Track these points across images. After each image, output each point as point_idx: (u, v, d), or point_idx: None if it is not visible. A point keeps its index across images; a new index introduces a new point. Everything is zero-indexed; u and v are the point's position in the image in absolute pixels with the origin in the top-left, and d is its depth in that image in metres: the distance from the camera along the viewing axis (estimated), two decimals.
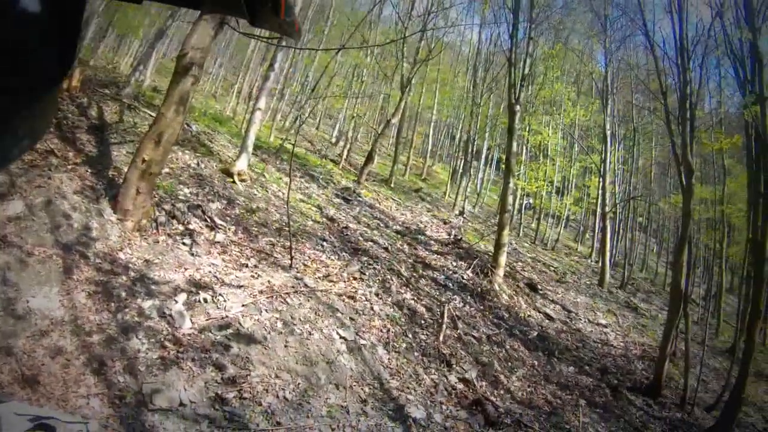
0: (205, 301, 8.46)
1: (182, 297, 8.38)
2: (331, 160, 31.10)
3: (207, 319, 8.03)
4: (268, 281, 9.93)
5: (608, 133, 32.53)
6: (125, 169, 10.84)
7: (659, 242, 44.02)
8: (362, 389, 8.24)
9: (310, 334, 8.84)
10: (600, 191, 32.63)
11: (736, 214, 30.09)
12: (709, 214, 30.34)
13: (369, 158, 27.86)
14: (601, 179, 32.19)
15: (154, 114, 13.64)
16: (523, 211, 38.41)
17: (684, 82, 16.74)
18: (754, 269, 16.69)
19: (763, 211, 16.04)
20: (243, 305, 8.72)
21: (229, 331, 7.91)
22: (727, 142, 21.27)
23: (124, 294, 7.97)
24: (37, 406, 5.55)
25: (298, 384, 7.50)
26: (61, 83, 1.17)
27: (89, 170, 11.09)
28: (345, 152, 33.39)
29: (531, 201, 40.10)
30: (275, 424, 6.57)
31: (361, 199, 21.67)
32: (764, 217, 15.69)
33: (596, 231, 36.81)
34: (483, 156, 41.47)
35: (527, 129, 34.95)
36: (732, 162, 29.78)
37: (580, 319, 18.78)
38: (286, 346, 8.16)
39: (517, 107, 19.20)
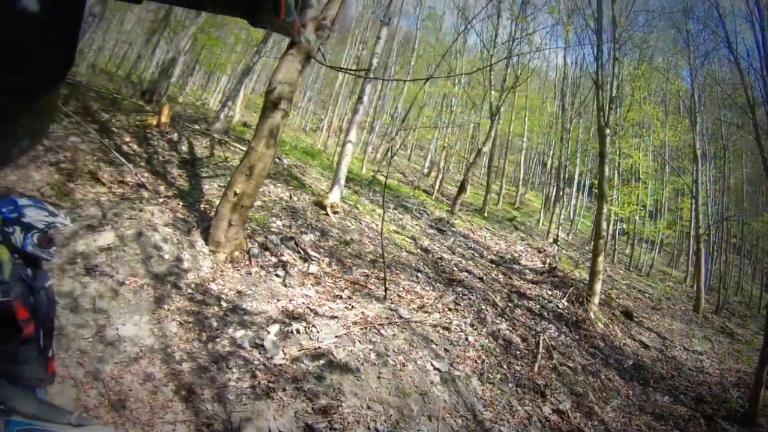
0: (298, 332, 8.56)
1: (275, 328, 8.52)
2: (424, 191, 31.26)
3: (299, 350, 8.11)
4: (362, 312, 10.01)
5: (698, 152, 32.01)
6: (217, 202, 11.16)
7: (753, 263, 42.68)
8: (455, 420, 8.20)
9: (403, 365, 8.88)
10: (693, 213, 32.17)
11: None
12: None
13: (461, 188, 27.91)
14: (693, 200, 31.69)
15: (244, 148, 14.08)
16: (617, 237, 37.83)
17: None
18: None
19: None
20: (336, 336, 8.78)
21: (322, 361, 7.97)
22: None
23: (215, 324, 8.19)
24: (123, 431, 5.82)
25: (390, 415, 7.52)
26: (62, 83, 1.25)
27: (181, 203, 11.51)
28: (437, 182, 33.55)
29: (624, 226, 39.52)
30: None
31: (455, 229, 21.70)
32: None
33: (690, 254, 36.23)
34: (575, 182, 41.06)
35: (618, 152, 34.56)
36: None
37: (676, 347, 18.42)
38: (379, 377, 8.20)
39: (607, 130, 19.06)
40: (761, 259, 42.68)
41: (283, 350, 7.98)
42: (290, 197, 15.16)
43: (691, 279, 33.42)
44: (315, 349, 8.23)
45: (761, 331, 19.01)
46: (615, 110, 22.96)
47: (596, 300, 16.79)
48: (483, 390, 9.53)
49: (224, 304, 8.80)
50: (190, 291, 8.79)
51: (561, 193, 35.41)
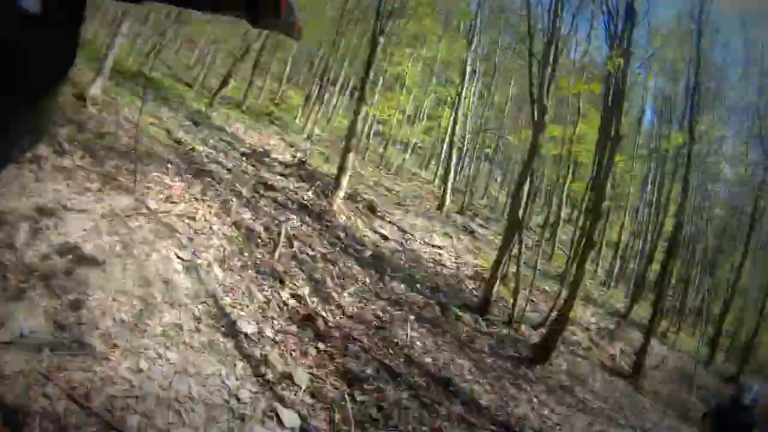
0: (48, 227, 8.28)
1: (25, 225, 8.11)
2: (187, 84, 30.61)
3: (49, 246, 7.89)
4: (110, 204, 9.81)
5: (468, 68, 33.30)
6: None
7: (504, 173, 45.37)
8: (196, 307, 8.43)
9: (148, 255, 8.92)
10: (452, 122, 33.61)
11: (584, 153, 31.79)
12: (557, 152, 31.76)
13: (224, 82, 27.98)
14: (454, 111, 33.17)
15: None
16: (371, 138, 38.80)
17: (554, 28, 17.74)
18: (593, 204, 17.97)
19: (609, 153, 17.38)
20: (84, 230, 8.60)
21: (70, 256, 7.83)
22: (586, 87, 22.74)
23: None
24: None
25: (134, 305, 7.56)
26: (62, 83, 1.33)
27: None
28: (201, 76, 32.97)
29: (380, 128, 40.57)
30: (112, 346, 6.55)
31: (211, 122, 21.64)
32: (609, 159, 17.03)
33: (442, 158, 37.90)
34: (339, 82, 41.44)
35: (388, 60, 35.26)
36: (588, 106, 31.25)
37: (416, 241, 19.59)
38: (124, 269, 8.19)
39: (381, 39, 19.63)
40: (511, 170, 45.60)
41: (32, 248, 7.71)
42: None
43: (440, 181, 35.09)
44: (63, 243, 8.06)
45: (501, 232, 20.56)
46: (395, 20, 23.51)
47: (341, 194, 17.41)
48: (224, 277, 9.81)
49: None
50: None
51: (323, 92, 35.82)
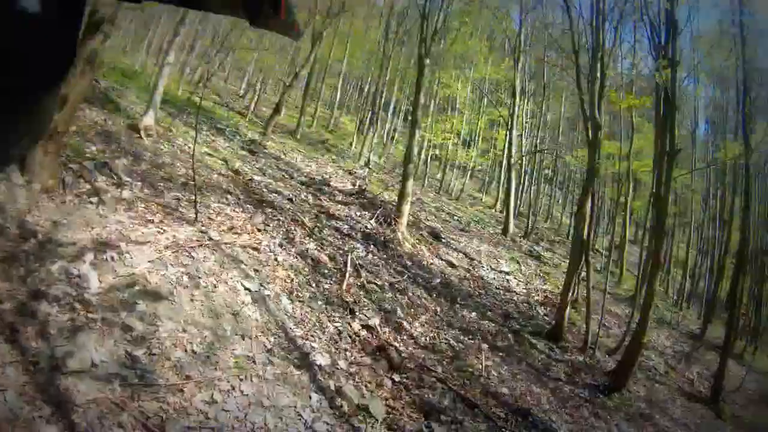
0: (113, 259, 8.27)
1: (89, 257, 8.17)
2: (239, 113, 30.76)
3: (114, 278, 7.87)
4: (173, 236, 9.80)
5: (518, 87, 32.83)
6: None
7: (565, 194, 44.99)
8: (267, 339, 8.32)
9: (215, 286, 8.85)
10: (507, 143, 33.11)
11: (642, 170, 31.18)
12: (615, 169, 31.23)
13: (276, 110, 27.67)
14: (508, 132, 32.69)
15: None
16: (429, 162, 38.78)
17: (597, 42, 17.47)
18: (656, 223, 17.44)
19: (666, 168, 16.84)
20: (149, 261, 8.58)
21: (137, 288, 7.81)
22: (636, 102, 22.39)
23: (32, 258, 7.76)
24: None
25: (205, 337, 7.52)
26: (62, 83, 1.29)
27: None
28: (253, 104, 33.12)
29: (437, 152, 40.56)
30: (185, 378, 6.55)
31: (266, 150, 21.47)
32: (667, 174, 16.48)
33: (501, 182, 37.64)
34: (390, 107, 41.51)
35: (437, 82, 35.16)
36: (641, 120, 30.75)
37: (483, 267, 19.20)
38: (192, 300, 8.15)
39: (427, 60, 19.39)
40: (572, 191, 45.11)
41: (99, 279, 7.72)
42: (105, 121, 14.55)
43: (501, 204, 34.77)
44: (129, 275, 8.05)
45: (568, 256, 20.16)
46: (439, 42, 23.28)
47: (404, 221, 17.18)
48: (293, 308, 9.68)
49: (40, 237, 8.36)
50: (7, 226, 8.29)
51: (375, 117, 35.62)
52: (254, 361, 7.59)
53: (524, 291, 19.09)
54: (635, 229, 40.61)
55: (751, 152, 21.96)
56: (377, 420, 8.09)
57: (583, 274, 17.71)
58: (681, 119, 35.93)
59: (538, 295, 19.39)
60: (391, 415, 8.53)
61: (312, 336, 9.22)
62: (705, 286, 37.66)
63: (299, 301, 10.07)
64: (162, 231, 9.98)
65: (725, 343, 21.01)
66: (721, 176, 37.02)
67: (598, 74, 16.99)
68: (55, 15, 1.06)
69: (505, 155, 34.17)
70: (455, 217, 24.78)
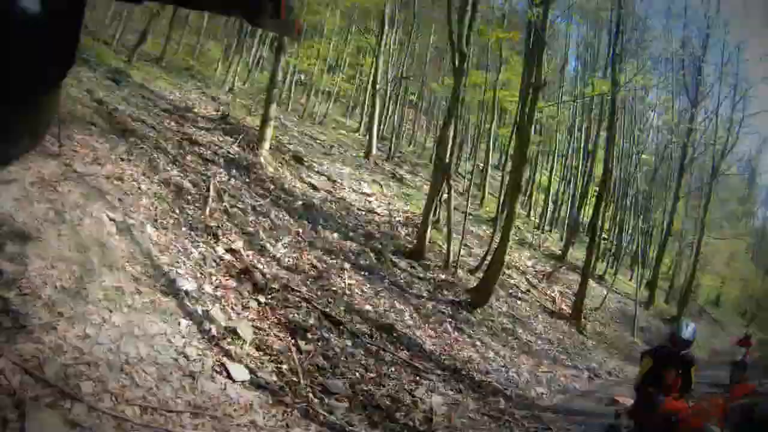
0: None
1: None
2: (104, 42, 29.67)
3: None
4: (39, 171, 9.32)
5: (387, 17, 32.78)
6: None
7: (429, 119, 45.40)
8: (134, 268, 8.22)
9: (81, 220, 8.59)
10: (373, 69, 33.46)
11: (509, 99, 32.05)
12: (482, 98, 31.91)
13: (142, 38, 27.29)
14: (375, 59, 32.90)
15: None
16: (293, 87, 38.64)
17: None
18: (518, 149, 18.10)
19: (531, 99, 17.49)
20: (14, 200, 8.00)
21: (4, 228, 7.41)
22: (505, 35, 23.57)
23: None
24: None
25: (74, 271, 7.31)
26: (62, 83, 1.28)
27: None
28: (118, 34, 32.11)
29: (302, 77, 40.82)
30: (57, 315, 6.36)
31: (131, 80, 20.65)
32: (531, 104, 17.16)
33: (366, 107, 38.05)
34: (258, 33, 40.90)
35: (304, 9, 34.91)
36: (511, 54, 31.44)
37: (345, 189, 19.56)
38: (59, 236, 7.89)
39: None
40: (437, 116, 45.69)
41: None
42: None
43: (365, 129, 35.20)
44: None
45: (429, 178, 20.52)
46: None
47: (267, 145, 17.13)
48: (158, 236, 9.59)
49: None
50: None
51: (241, 44, 35.50)
52: (123, 292, 7.51)
53: (386, 212, 19.57)
54: (499, 155, 41.42)
55: (618, 89, 23.14)
56: (245, 341, 8.23)
57: (445, 196, 18.12)
58: (552, 55, 37.02)
59: (400, 216, 19.91)
60: (258, 336, 8.71)
61: (178, 262, 9.20)
62: (567, 211, 39.33)
63: (164, 229, 10.00)
64: (27, 168, 9.69)
65: (586, 264, 22.14)
66: (587, 110, 38.35)
67: (469, 7, 17.29)
68: (56, 15, 1.08)
69: (370, 81, 34.57)
70: (318, 141, 24.70)
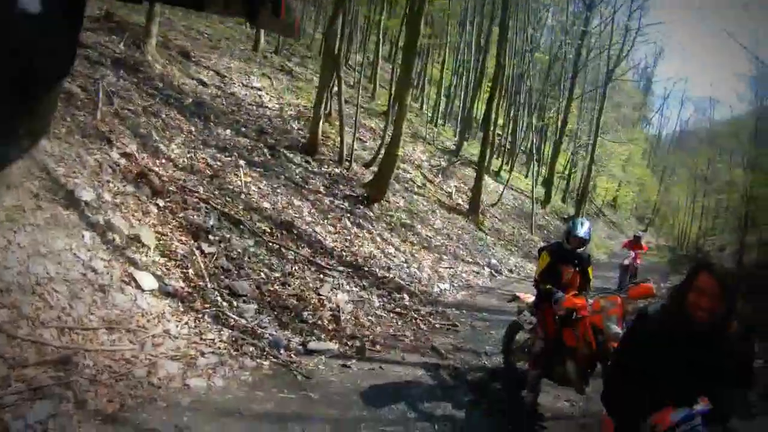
0: None
1: None
2: None
3: None
4: None
5: None
6: None
7: (318, 12, 44.73)
8: (32, 184, 7.62)
9: None
10: None
11: None
12: None
13: None
14: None
15: None
16: None
17: None
18: (407, 41, 17.91)
19: None
20: None
21: None
22: None
23: None
24: None
25: None
26: (62, 83, 1.29)
27: None
28: None
29: None
30: None
31: None
32: None
33: None
34: None
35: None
36: None
37: (234, 84, 18.99)
38: None
39: None
40: (325, 8, 44.78)
41: None
42: None
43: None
44: None
45: (319, 71, 20.17)
46: None
47: (153, 42, 16.40)
48: (52, 147, 8.94)
49: None
50: None
51: None
52: (24, 210, 7.12)
53: (277, 106, 19.18)
54: (389, 47, 41.01)
55: None
56: (150, 248, 8.19)
57: (336, 89, 17.96)
58: None
59: (292, 109, 19.58)
60: (162, 241, 8.65)
61: (74, 172, 8.74)
62: (460, 105, 39.45)
63: (57, 139, 9.34)
64: None
65: (480, 159, 22.33)
66: (479, 7, 38.23)
67: None
68: (56, 15, 1.06)
69: None
70: (205, 35, 23.90)
